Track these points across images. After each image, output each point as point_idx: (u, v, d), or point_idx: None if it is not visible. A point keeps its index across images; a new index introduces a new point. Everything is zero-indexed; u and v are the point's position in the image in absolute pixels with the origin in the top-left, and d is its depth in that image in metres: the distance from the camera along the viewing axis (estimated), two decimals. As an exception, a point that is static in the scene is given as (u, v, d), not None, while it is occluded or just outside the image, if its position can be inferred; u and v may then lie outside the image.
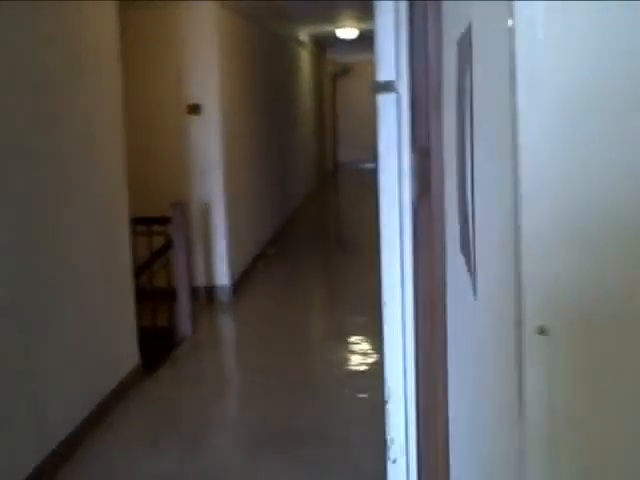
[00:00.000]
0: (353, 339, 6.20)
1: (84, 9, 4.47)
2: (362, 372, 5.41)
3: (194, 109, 6.97)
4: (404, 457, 3.16)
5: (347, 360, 5.79)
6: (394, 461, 3.17)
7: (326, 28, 13.11)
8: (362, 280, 7.90)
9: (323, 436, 4.33)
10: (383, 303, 3.06)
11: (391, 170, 2.95)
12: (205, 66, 6.94)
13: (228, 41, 7.48)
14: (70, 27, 4.29)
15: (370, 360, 5.62)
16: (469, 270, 1.20)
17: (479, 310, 1.22)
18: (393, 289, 3.03)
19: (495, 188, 0.95)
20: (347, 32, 13.23)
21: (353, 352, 5.92)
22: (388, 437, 3.15)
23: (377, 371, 5.32)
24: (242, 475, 4.03)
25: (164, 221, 6.03)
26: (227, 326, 6.96)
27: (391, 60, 2.87)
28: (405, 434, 3.14)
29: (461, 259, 1.37)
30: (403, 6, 2.82)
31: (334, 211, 15.05)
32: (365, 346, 5.97)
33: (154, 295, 5.88)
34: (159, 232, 6.10)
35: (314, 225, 12.74)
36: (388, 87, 2.90)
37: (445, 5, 1.57)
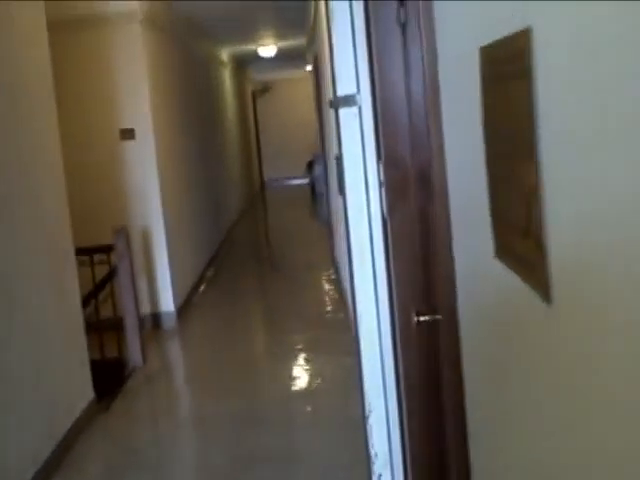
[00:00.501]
0: (297, 359, 6.18)
1: (16, 33, 4.33)
2: (311, 391, 5.37)
3: (127, 134, 6.84)
4: (389, 471, 3.13)
5: (294, 379, 5.80)
6: (379, 476, 3.14)
7: (246, 47, 13.10)
8: (297, 297, 7.96)
9: (279, 459, 4.28)
10: (358, 316, 3.04)
11: (358, 183, 2.93)
12: (136, 89, 6.82)
13: (156, 63, 7.37)
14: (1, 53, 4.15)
15: (319, 379, 5.60)
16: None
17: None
18: (367, 302, 3.01)
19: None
20: (266, 50, 13.23)
21: (299, 371, 5.89)
22: (372, 452, 3.12)
23: (326, 387, 5.39)
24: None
25: (107, 249, 5.89)
26: (176, 353, 6.83)
27: (351, 73, 2.86)
28: (389, 447, 3.11)
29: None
30: (360, 15, 2.82)
31: (265, 229, 15.02)
32: (312, 364, 5.94)
33: (101, 326, 5.73)
34: (101, 261, 5.95)
35: (247, 244, 12.69)
36: (349, 101, 2.89)
37: (441, 6, 1.55)
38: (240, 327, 7.43)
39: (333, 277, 8.59)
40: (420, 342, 2.71)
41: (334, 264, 9.02)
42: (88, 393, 4.97)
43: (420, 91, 2.40)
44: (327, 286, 8.55)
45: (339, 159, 3.04)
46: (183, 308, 7.49)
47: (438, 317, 2.50)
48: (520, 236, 1.04)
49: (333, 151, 7.42)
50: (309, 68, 16.65)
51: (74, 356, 4.85)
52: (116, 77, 6.79)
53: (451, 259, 1.64)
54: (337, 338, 6.48)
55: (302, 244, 12.04)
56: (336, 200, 7.79)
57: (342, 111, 2.91)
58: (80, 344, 4.97)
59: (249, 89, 20.00)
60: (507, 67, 0.97)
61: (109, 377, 5.51)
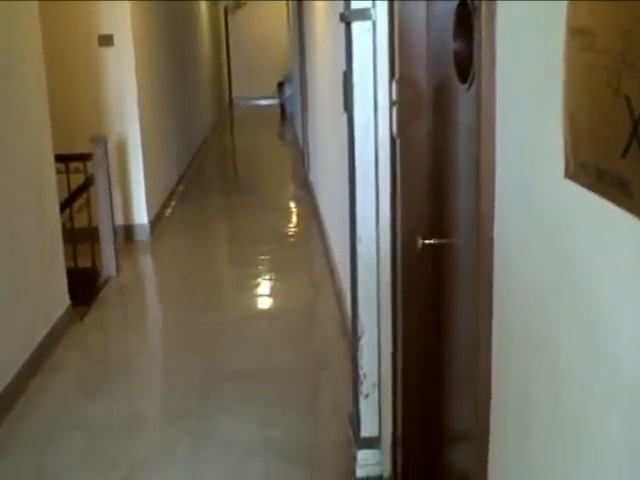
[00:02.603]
0: (266, 274, 6.25)
1: None
2: (279, 307, 5.40)
3: (106, 40, 6.62)
4: (377, 391, 3.16)
5: (261, 295, 5.87)
6: (367, 395, 3.17)
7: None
8: (265, 215, 7.99)
9: (252, 373, 4.31)
10: (357, 237, 3.01)
11: (366, 101, 2.87)
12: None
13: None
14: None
15: (285, 287, 5.63)
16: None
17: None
18: (368, 224, 2.98)
19: None
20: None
21: (270, 285, 5.93)
22: (361, 372, 3.14)
23: (295, 296, 5.45)
24: (173, 413, 3.94)
25: (84, 158, 5.75)
26: (149, 266, 6.79)
27: (367, -15, 2.76)
28: (378, 369, 3.13)
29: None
30: None
31: (234, 145, 14.88)
32: (280, 275, 5.97)
33: (75, 235, 5.63)
34: (77, 170, 5.82)
35: (217, 162, 12.58)
36: (363, 15, 2.80)
37: None
38: (210, 242, 7.47)
39: (306, 197, 8.56)
40: (422, 265, 2.70)
41: (307, 186, 8.97)
42: (65, 300, 4.92)
43: (443, 8, 2.33)
44: (300, 206, 8.53)
45: (347, 75, 2.96)
46: (155, 222, 7.40)
47: (446, 241, 2.49)
48: (616, 155, 1.01)
49: (312, 70, 7.30)
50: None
51: (51, 262, 4.78)
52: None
53: (491, 179, 1.60)
54: (307, 258, 6.50)
55: (273, 164, 11.97)
56: (314, 121, 7.69)
57: (355, 25, 2.82)
58: (57, 251, 4.89)
59: (222, 5, 19.51)
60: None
61: (83, 286, 5.45)
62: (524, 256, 1.46)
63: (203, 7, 14.34)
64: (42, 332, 4.46)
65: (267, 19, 20.16)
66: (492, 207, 1.62)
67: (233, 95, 20.74)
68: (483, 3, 1.59)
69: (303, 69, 9.40)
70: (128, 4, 6.65)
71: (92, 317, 5.17)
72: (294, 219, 8.33)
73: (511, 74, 1.51)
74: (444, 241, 2.49)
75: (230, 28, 20.72)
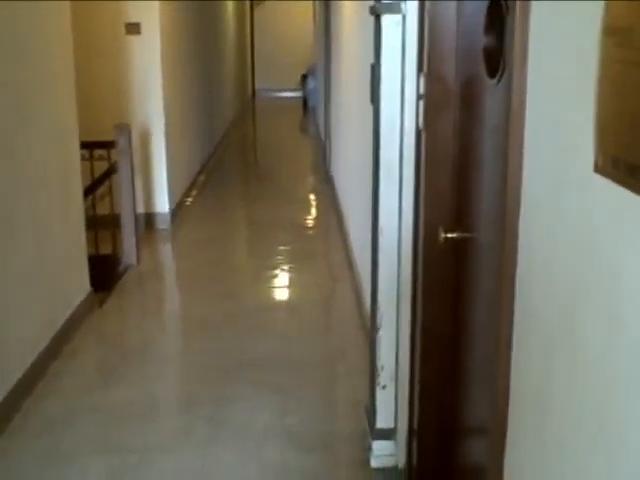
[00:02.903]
0: (285, 264, 6.28)
1: None
2: (296, 299, 5.41)
3: (133, 28, 6.66)
4: (393, 383, 3.17)
5: (281, 282, 5.92)
6: (384, 387, 3.19)
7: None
8: (285, 206, 8.02)
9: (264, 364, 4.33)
10: (379, 230, 3.03)
11: (393, 93, 2.88)
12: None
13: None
14: None
15: (303, 278, 5.64)
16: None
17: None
18: (390, 216, 2.99)
19: None
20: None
21: (288, 276, 5.94)
22: (379, 364, 3.16)
23: (313, 287, 5.46)
24: (190, 400, 3.98)
25: (107, 145, 5.80)
26: (170, 254, 6.83)
27: (398, -21, 2.77)
28: (396, 361, 3.14)
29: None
30: None
31: (256, 137, 14.92)
32: (299, 265, 5.99)
33: (97, 222, 5.68)
34: (101, 157, 5.86)
35: (238, 154, 12.62)
36: (393, 8, 2.81)
37: None
38: (230, 232, 7.51)
39: (325, 190, 8.57)
40: (444, 259, 2.71)
41: (328, 178, 8.99)
42: (85, 286, 4.96)
43: (474, 3, 2.33)
44: (320, 198, 8.55)
45: (375, 67, 2.98)
46: (176, 210, 7.45)
47: (469, 235, 2.50)
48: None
49: (338, 63, 7.31)
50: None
51: (74, 248, 4.82)
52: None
53: (519, 174, 1.61)
54: (326, 249, 6.52)
55: (294, 157, 11.99)
56: (338, 114, 7.70)
57: (384, 18, 2.83)
58: (80, 236, 4.93)
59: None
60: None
61: (103, 273, 5.49)
62: (549, 251, 1.47)
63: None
64: (63, 317, 4.50)
65: (292, 12, 20.17)
66: (518, 201, 1.63)
67: (256, 87, 20.77)
68: (517, 3, 1.61)
69: (328, 62, 9.41)
70: (156, -8, 6.68)
71: (111, 303, 5.21)
72: (314, 211, 8.35)
73: (542, 69, 1.52)
74: (467, 235, 2.50)
75: (255, 21, 20.74)
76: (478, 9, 2.18)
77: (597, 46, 1.19)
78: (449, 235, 2.55)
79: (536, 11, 1.54)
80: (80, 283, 4.90)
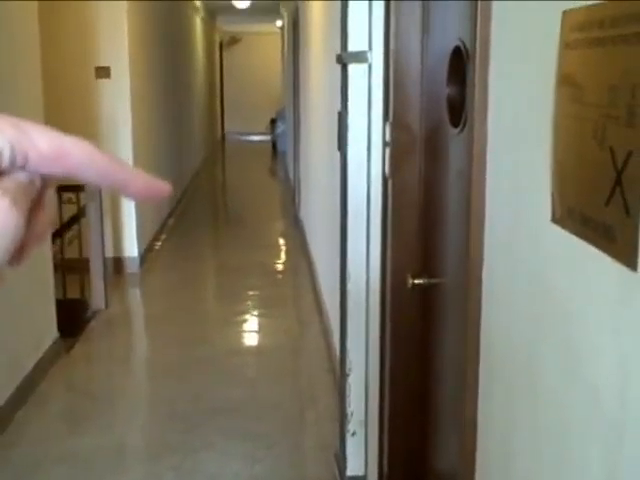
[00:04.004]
0: (255, 309, 6.27)
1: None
2: (266, 344, 5.40)
3: (103, 72, 6.69)
4: (363, 429, 3.17)
5: (250, 327, 5.92)
6: (353, 434, 3.18)
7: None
8: (254, 250, 8.02)
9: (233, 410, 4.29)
10: (347, 276, 3.04)
11: (360, 141, 2.92)
12: (114, 26, 6.65)
13: (134, 1, 7.20)
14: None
15: (272, 322, 5.63)
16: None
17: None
18: (358, 262, 3.02)
19: None
20: (241, 2, 13.01)
21: (258, 320, 5.93)
22: (348, 410, 3.15)
23: (280, 343, 5.44)
24: (159, 448, 3.93)
25: (76, 189, 5.78)
26: (138, 299, 6.79)
27: (364, 30, 2.82)
28: (365, 407, 3.14)
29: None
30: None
31: (225, 181, 14.96)
32: (268, 310, 5.98)
33: (65, 266, 5.65)
34: (69, 200, 5.85)
35: (208, 197, 12.64)
36: (359, 57, 2.86)
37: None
38: (199, 276, 7.49)
39: (295, 234, 8.59)
40: (412, 304, 2.73)
41: (297, 222, 9.02)
42: (53, 331, 4.91)
43: (437, 54, 2.39)
44: (289, 242, 8.57)
45: (342, 115, 3.02)
46: (145, 254, 7.42)
47: (436, 281, 2.53)
48: (600, 203, 1.05)
49: (306, 109, 7.37)
50: (279, 24, 16.46)
51: (41, 292, 4.78)
52: (94, 14, 6.62)
53: (481, 221, 1.64)
54: (295, 294, 6.52)
55: (263, 201, 12.02)
56: (307, 158, 7.76)
57: (351, 67, 2.88)
58: (47, 280, 4.89)
59: (217, 39, 19.72)
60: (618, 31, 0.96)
61: (71, 318, 5.44)
62: (511, 297, 1.50)
63: (199, 42, 14.49)
64: (30, 363, 4.45)
65: (262, 56, 20.38)
66: (481, 248, 1.66)
67: (225, 130, 20.88)
68: (477, 50, 1.65)
69: (296, 107, 9.50)
70: (126, 36, 6.73)
71: (79, 349, 5.16)
72: (283, 255, 8.36)
73: (502, 120, 1.56)
74: (434, 281, 2.52)
75: (225, 63, 20.92)
76: (442, 59, 2.23)
77: (552, 97, 1.23)
78: (417, 281, 2.58)
79: (496, 59, 1.59)
80: (47, 328, 4.85)
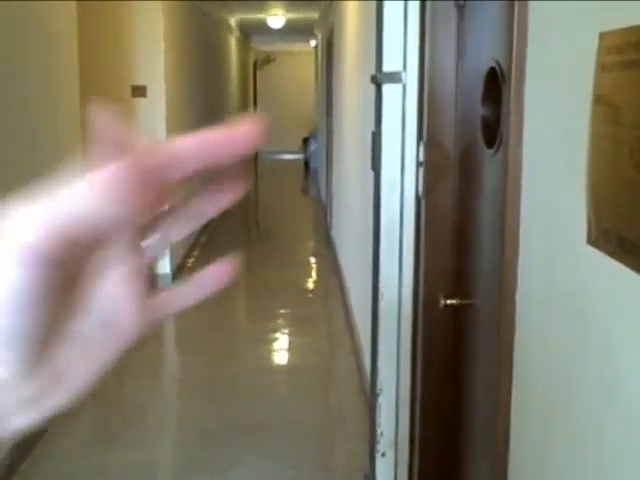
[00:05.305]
0: (285, 328, 6.30)
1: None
2: (295, 363, 5.39)
3: (139, 91, 6.77)
4: (393, 450, 3.15)
5: (281, 345, 5.91)
6: (383, 454, 3.16)
7: (255, 15, 12.99)
8: (286, 268, 8.04)
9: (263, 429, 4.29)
10: (380, 294, 3.04)
11: (394, 161, 2.92)
12: (150, 46, 6.75)
13: (172, 22, 7.29)
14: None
15: (303, 341, 5.62)
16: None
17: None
18: (391, 282, 3.01)
19: None
20: (275, 20, 13.13)
21: (288, 339, 5.93)
22: (378, 430, 3.14)
23: (313, 351, 5.44)
24: (188, 466, 3.94)
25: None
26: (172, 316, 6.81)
27: (399, 50, 2.84)
28: (395, 428, 3.13)
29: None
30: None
31: (257, 199, 15.00)
32: (299, 329, 5.97)
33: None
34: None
35: (241, 212, 12.68)
36: (394, 78, 2.87)
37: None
38: (230, 293, 7.48)
39: (326, 253, 8.60)
40: (444, 325, 2.72)
41: (328, 241, 9.03)
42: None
43: (472, 74, 2.39)
44: (321, 261, 8.57)
45: (375, 135, 3.02)
46: (177, 271, 7.47)
47: (468, 302, 2.52)
48: (636, 224, 1.04)
49: (339, 128, 7.40)
50: (313, 44, 16.57)
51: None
52: (132, 33, 6.71)
53: (516, 243, 1.64)
54: (326, 313, 6.52)
55: (295, 219, 12.06)
56: (339, 177, 7.78)
57: (386, 87, 2.89)
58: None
59: (251, 58, 19.88)
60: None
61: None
62: (545, 319, 1.49)
63: (234, 61, 14.62)
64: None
65: (295, 75, 20.50)
66: (515, 269, 1.65)
67: (258, 149, 20.96)
68: (512, 71, 1.65)
69: (329, 126, 9.53)
70: (162, 56, 6.81)
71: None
72: (314, 274, 8.37)
73: (538, 141, 1.55)
74: (466, 301, 2.51)
75: (258, 82, 21.07)
76: (477, 80, 2.23)
77: (588, 118, 1.22)
78: (449, 302, 2.57)
79: (531, 79, 1.58)
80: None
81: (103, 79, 6.73)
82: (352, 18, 5.99)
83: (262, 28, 14.50)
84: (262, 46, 19.99)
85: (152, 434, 4.32)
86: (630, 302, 1.11)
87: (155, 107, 6.85)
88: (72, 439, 4.13)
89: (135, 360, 5.45)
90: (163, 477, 3.89)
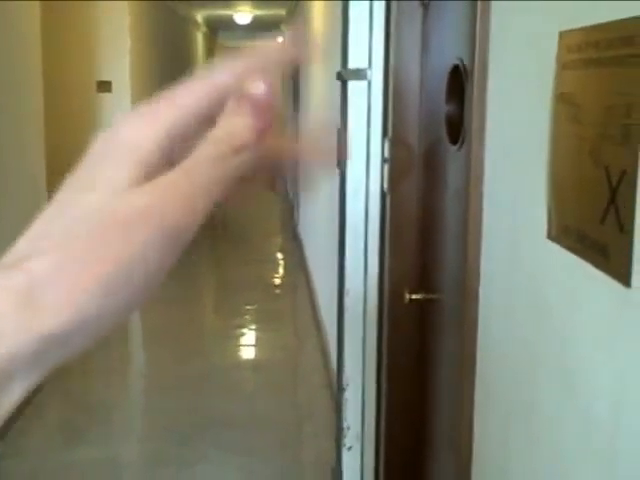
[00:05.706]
0: (252, 324, 6.29)
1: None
2: (262, 358, 5.41)
3: (104, 86, 6.73)
4: (360, 444, 3.17)
5: (247, 341, 5.83)
6: (349, 448, 3.18)
7: (222, 11, 12.94)
8: (253, 265, 8.04)
9: (230, 424, 4.30)
10: (345, 291, 3.06)
11: (359, 157, 2.94)
12: (115, 40, 6.70)
13: (137, 16, 7.25)
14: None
15: (270, 337, 5.64)
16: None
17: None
18: (356, 277, 3.03)
19: None
20: (242, 16, 13.10)
21: (255, 335, 5.94)
22: (344, 424, 3.16)
23: (280, 346, 5.45)
24: (154, 461, 3.93)
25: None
26: (135, 312, 6.79)
27: (364, 47, 2.85)
28: (362, 422, 3.15)
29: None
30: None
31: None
32: (265, 325, 5.99)
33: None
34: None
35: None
36: (359, 75, 2.89)
37: None
38: (196, 290, 7.51)
39: (293, 249, 8.61)
40: (409, 320, 2.75)
41: (295, 237, 9.04)
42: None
43: (436, 72, 2.42)
44: (288, 257, 8.58)
45: (341, 131, 3.04)
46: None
47: (433, 296, 2.54)
48: (595, 220, 1.07)
49: (306, 124, 7.42)
50: (280, 40, 16.53)
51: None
52: (98, 29, 6.67)
53: (479, 238, 1.66)
54: (293, 309, 6.53)
55: (262, 216, 12.03)
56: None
57: (351, 84, 2.91)
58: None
59: (218, 55, 19.80)
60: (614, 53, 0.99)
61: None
62: (508, 313, 1.51)
63: (200, 57, 14.57)
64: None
65: (262, 72, 20.43)
66: (478, 264, 1.68)
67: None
68: (475, 69, 1.67)
69: (296, 122, 9.54)
70: (128, 51, 6.77)
71: (74, 363, 5.16)
72: (281, 270, 8.38)
73: (500, 137, 1.58)
74: (431, 296, 2.54)
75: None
76: (441, 77, 2.26)
77: (549, 116, 1.25)
78: (414, 296, 2.59)
79: (493, 79, 1.61)
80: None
81: (68, 75, 6.68)
82: (319, 14, 6.00)
83: (229, 24, 14.46)
84: (229, 42, 19.92)
85: (118, 430, 4.31)
86: (589, 296, 1.13)
87: (120, 102, 6.81)
88: (37, 436, 4.10)
89: (101, 356, 5.42)
90: (129, 473, 3.88)
